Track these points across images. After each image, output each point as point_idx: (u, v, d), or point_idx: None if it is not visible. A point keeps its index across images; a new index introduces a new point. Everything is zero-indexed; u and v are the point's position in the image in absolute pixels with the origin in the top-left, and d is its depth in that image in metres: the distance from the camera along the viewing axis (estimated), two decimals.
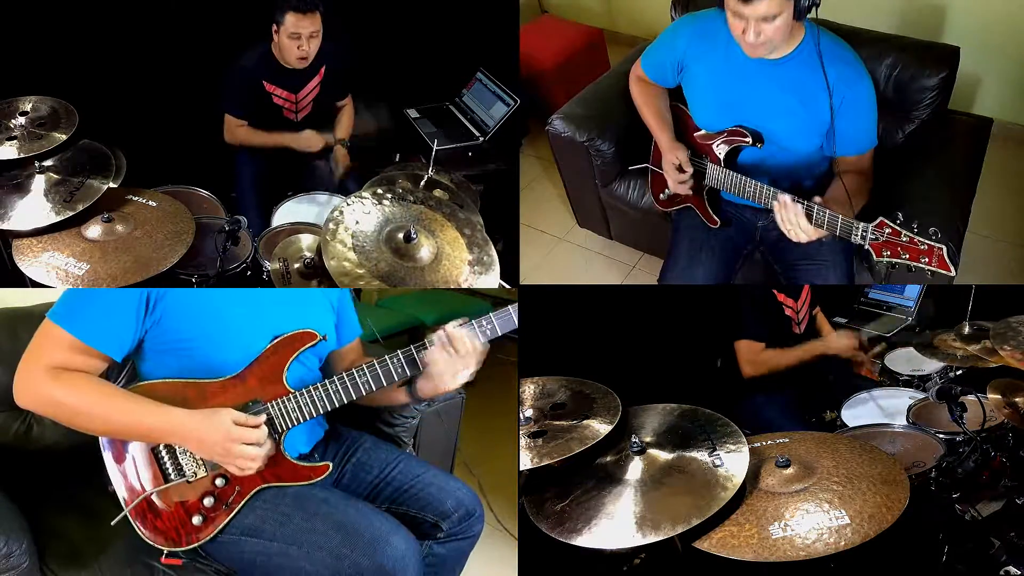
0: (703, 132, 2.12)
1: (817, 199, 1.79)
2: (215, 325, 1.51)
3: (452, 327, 1.55)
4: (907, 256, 1.67)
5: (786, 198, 1.81)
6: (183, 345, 1.50)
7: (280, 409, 1.51)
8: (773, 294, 2.24)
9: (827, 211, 1.75)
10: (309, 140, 2.62)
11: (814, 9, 1.76)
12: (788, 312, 2.27)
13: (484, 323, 1.59)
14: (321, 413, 1.54)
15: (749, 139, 2.01)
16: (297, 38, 2.43)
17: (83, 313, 1.45)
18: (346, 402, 1.54)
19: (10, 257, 1.81)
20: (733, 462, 1.54)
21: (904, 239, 1.65)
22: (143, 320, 1.47)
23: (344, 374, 1.54)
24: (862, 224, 1.70)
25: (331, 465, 1.56)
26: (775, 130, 2.00)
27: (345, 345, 1.77)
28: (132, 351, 1.51)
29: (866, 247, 1.71)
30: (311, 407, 1.52)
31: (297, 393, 1.52)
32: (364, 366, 1.54)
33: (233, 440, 1.43)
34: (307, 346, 1.56)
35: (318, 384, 1.53)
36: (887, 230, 1.66)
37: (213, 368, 1.50)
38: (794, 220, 1.80)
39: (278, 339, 1.55)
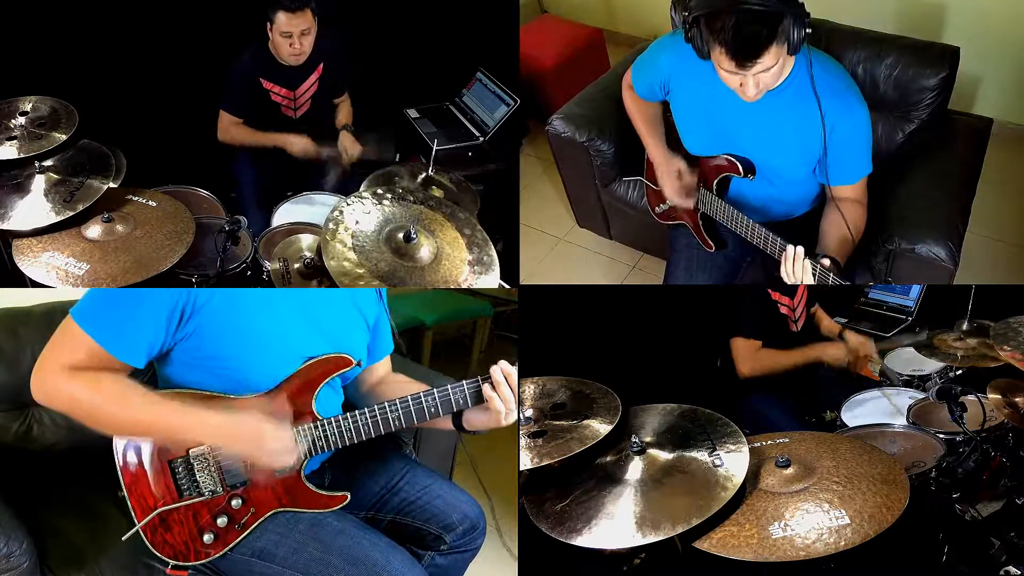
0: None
1: (826, 262, 1.73)
2: (246, 344, 1.46)
3: (505, 365, 1.48)
4: None
5: (797, 251, 1.73)
6: (213, 362, 1.45)
7: (307, 437, 1.47)
8: (768, 292, 2.24)
9: (830, 274, 1.69)
10: (302, 145, 2.59)
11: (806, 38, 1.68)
12: (784, 310, 2.27)
13: None
14: (347, 445, 1.50)
15: (740, 169, 1.97)
16: (289, 36, 2.44)
17: (108, 319, 1.39)
18: (374, 436, 1.50)
19: (10, 257, 1.80)
20: (733, 462, 1.54)
21: None
22: (173, 332, 1.42)
23: (376, 408, 1.48)
24: None
25: (348, 496, 1.53)
26: (766, 159, 1.96)
27: (376, 362, 1.74)
28: (157, 358, 1.47)
29: None
30: (338, 438, 1.49)
31: (325, 422, 1.48)
32: (397, 402, 1.48)
33: (264, 435, 1.40)
34: (340, 371, 1.52)
35: (347, 415, 1.49)
36: None
37: (241, 385, 1.46)
38: (799, 276, 1.74)
39: (311, 362, 1.50)
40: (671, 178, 2.11)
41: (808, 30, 1.65)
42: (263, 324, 1.49)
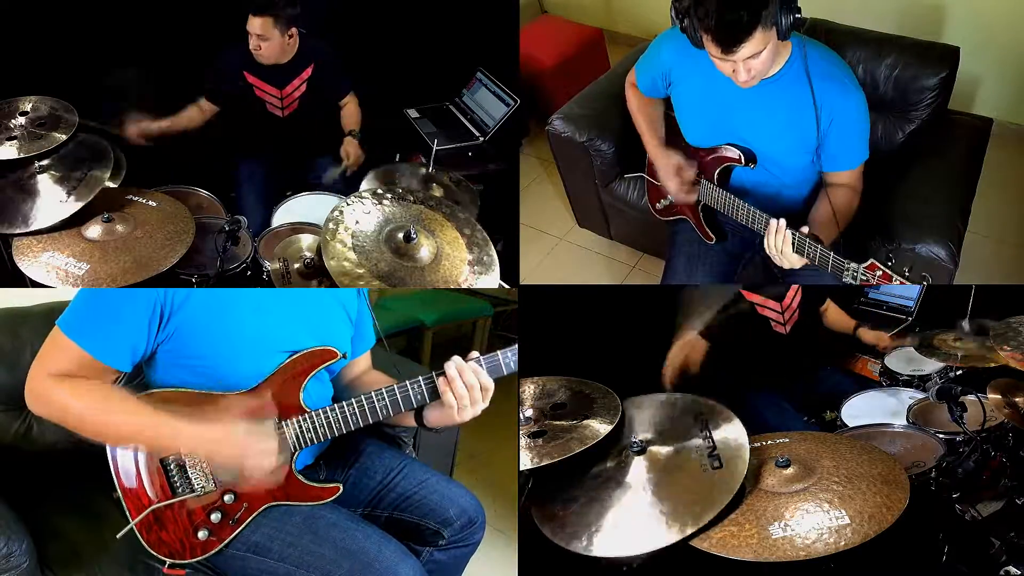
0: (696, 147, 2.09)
1: (804, 229, 1.74)
2: (230, 341, 1.47)
3: (460, 361, 1.49)
4: None
5: (780, 222, 1.75)
6: (197, 361, 1.46)
7: (295, 429, 1.49)
8: (741, 295, 2.22)
9: (818, 247, 1.70)
10: (191, 117, 2.60)
11: (799, 24, 1.70)
12: (767, 312, 2.25)
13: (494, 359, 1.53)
14: (336, 435, 1.51)
15: (739, 158, 1.98)
16: (251, 35, 2.46)
17: (94, 325, 1.41)
18: (362, 425, 1.51)
19: (10, 257, 1.81)
20: (733, 461, 1.54)
21: (895, 283, 1.61)
22: (156, 333, 1.43)
23: (363, 397, 1.50)
24: (853, 265, 1.65)
25: (340, 487, 1.54)
26: (765, 148, 1.97)
27: (357, 356, 1.75)
28: (144, 360, 1.48)
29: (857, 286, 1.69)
30: (326, 429, 1.50)
31: (313, 414, 1.49)
32: (384, 390, 1.50)
33: (246, 449, 1.41)
34: (326, 364, 1.53)
35: (335, 406, 1.50)
36: (878, 272, 1.62)
37: (227, 382, 1.47)
38: (779, 246, 1.75)
39: (297, 355, 1.51)
40: (671, 174, 2.12)
41: (798, 15, 1.67)
42: (245, 320, 1.50)
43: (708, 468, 1.54)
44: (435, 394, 1.50)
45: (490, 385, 1.50)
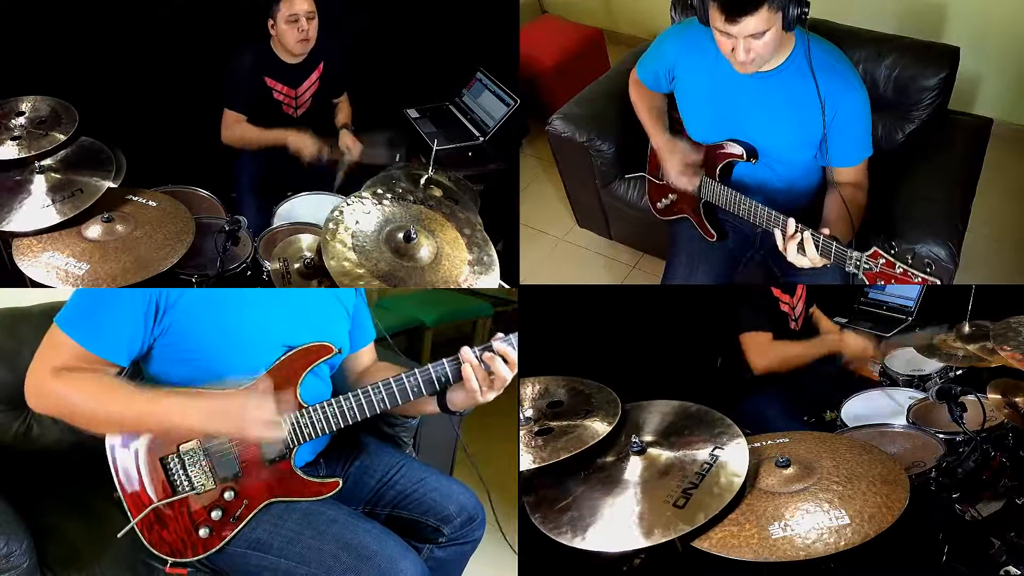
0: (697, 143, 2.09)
1: (825, 231, 1.72)
2: (226, 336, 1.48)
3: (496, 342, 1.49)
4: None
5: (791, 224, 1.74)
6: (192, 355, 1.47)
7: (292, 424, 1.49)
8: (769, 289, 2.24)
9: (833, 242, 1.69)
10: (304, 142, 2.58)
11: (804, 18, 1.71)
12: (784, 308, 2.26)
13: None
14: (334, 430, 1.52)
15: (742, 154, 1.98)
16: (295, 20, 2.43)
17: (90, 320, 1.43)
18: (359, 420, 1.51)
19: (10, 257, 1.81)
20: (733, 462, 1.54)
21: (898, 271, 1.61)
22: (151, 329, 1.45)
23: (359, 391, 1.50)
24: (856, 253, 1.65)
25: (340, 482, 1.54)
26: (768, 142, 1.97)
27: (358, 350, 1.75)
28: (141, 356, 1.49)
29: (860, 276, 1.68)
30: (324, 424, 1.50)
31: (310, 409, 1.50)
32: (380, 383, 1.50)
33: (246, 408, 1.42)
34: (322, 359, 1.54)
35: (332, 401, 1.50)
36: (881, 260, 1.62)
37: (224, 378, 1.47)
38: (795, 247, 1.74)
39: (293, 351, 1.52)
40: (674, 160, 2.11)
41: (806, 8, 1.68)
42: (241, 315, 1.51)
43: (671, 502, 1.48)
44: (432, 385, 1.50)
45: (515, 357, 1.49)
